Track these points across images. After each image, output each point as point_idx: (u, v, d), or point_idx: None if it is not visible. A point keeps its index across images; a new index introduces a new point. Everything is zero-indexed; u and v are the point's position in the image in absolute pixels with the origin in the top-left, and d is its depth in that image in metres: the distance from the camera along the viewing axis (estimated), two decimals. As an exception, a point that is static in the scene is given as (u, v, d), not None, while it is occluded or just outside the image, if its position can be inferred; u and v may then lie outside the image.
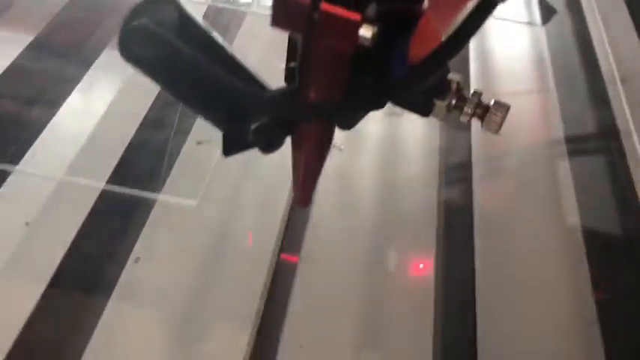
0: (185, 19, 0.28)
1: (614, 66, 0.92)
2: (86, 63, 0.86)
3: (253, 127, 0.31)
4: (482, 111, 0.35)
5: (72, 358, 0.55)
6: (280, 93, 0.31)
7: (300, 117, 0.31)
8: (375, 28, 0.27)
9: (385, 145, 0.81)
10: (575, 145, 0.82)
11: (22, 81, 0.83)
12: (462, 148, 0.81)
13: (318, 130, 0.33)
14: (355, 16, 0.26)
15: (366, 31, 0.27)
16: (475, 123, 0.36)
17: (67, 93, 0.81)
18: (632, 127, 0.82)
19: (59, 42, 0.90)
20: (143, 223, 0.67)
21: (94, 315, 0.58)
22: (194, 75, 0.27)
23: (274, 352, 0.57)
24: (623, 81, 0.89)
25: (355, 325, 0.60)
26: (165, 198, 0.70)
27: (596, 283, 0.66)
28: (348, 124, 0.38)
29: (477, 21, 0.26)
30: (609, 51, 0.95)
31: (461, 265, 0.67)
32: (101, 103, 0.80)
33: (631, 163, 0.78)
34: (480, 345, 0.59)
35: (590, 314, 0.63)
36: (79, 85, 0.83)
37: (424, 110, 0.36)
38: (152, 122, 0.79)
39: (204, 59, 0.27)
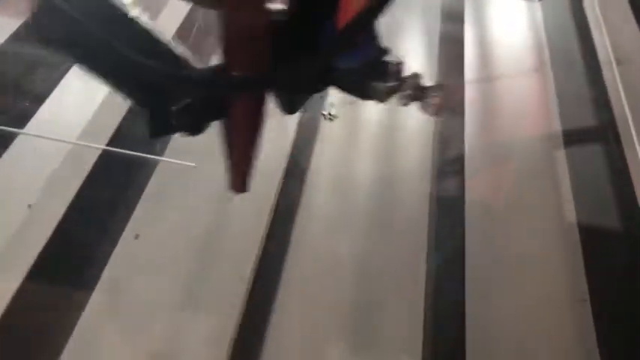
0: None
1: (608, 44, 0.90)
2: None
3: (175, 108, 0.31)
4: (419, 93, 0.34)
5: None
6: (203, 71, 0.30)
7: (225, 93, 0.31)
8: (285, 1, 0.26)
9: (380, 134, 0.80)
10: (572, 136, 0.81)
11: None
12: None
13: (248, 110, 0.32)
14: None
15: (277, 4, 0.26)
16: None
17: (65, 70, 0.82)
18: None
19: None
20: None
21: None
22: (108, 56, 0.27)
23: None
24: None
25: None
26: (166, 160, 0.71)
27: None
28: (291, 107, 0.38)
29: None
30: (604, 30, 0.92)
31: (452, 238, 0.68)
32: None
33: (627, 154, 0.76)
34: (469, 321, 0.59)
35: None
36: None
37: (365, 93, 0.35)
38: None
39: (114, 40, 0.26)
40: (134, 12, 0.29)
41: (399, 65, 0.34)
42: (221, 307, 0.59)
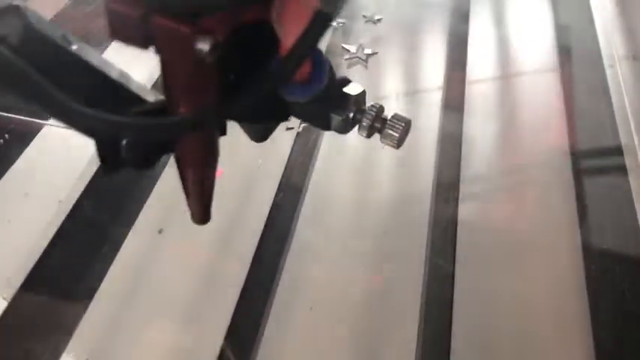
0: (33, 32, 0.27)
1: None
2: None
3: (124, 143, 0.30)
4: (381, 124, 0.33)
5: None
6: (147, 112, 0.30)
7: (169, 136, 0.31)
8: (214, 41, 0.25)
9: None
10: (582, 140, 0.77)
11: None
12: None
13: (198, 144, 0.32)
14: (186, 29, 0.25)
15: (203, 44, 0.26)
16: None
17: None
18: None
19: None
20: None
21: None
22: (34, 93, 0.27)
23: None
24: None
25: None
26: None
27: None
28: (258, 136, 0.37)
29: (317, 31, 0.25)
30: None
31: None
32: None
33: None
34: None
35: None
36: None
37: (324, 123, 0.34)
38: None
39: (45, 82, 0.26)
40: (73, 46, 0.29)
41: (359, 96, 0.33)
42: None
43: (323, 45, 0.94)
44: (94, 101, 0.27)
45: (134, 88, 0.31)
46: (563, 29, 0.95)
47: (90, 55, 0.30)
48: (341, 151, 0.77)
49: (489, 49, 0.93)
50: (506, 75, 0.88)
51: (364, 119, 0.33)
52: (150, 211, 0.69)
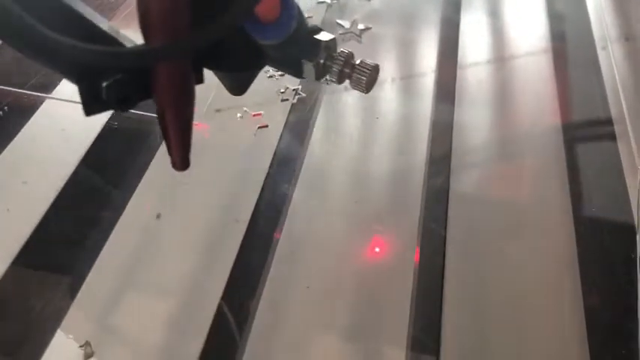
0: None
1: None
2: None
3: (104, 84, 0.32)
4: (350, 70, 0.34)
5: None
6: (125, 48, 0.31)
7: (145, 64, 0.32)
8: None
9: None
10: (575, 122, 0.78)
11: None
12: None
13: (173, 77, 0.33)
14: None
15: None
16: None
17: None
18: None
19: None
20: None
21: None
22: (28, 36, 0.28)
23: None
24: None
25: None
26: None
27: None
28: (235, 88, 0.39)
29: None
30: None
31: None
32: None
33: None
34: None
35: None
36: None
37: (295, 70, 0.35)
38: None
39: (27, 16, 0.28)
40: None
41: (328, 42, 0.34)
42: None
43: (318, 20, 0.95)
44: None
45: (122, 40, 0.33)
46: (555, 12, 0.95)
47: (80, 6, 0.31)
48: (336, 122, 0.78)
49: (482, 28, 0.94)
50: (499, 57, 0.89)
51: (334, 65, 0.34)
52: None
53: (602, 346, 0.55)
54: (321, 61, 0.34)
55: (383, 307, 0.59)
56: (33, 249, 0.64)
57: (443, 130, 0.77)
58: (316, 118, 0.79)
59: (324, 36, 0.34)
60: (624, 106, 0.76)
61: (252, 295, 0.60)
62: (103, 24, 0.32)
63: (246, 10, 0.28)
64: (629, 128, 0.74)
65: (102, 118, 0.78)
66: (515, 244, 0.64)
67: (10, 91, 0.81)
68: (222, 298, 0.59)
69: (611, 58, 0.84)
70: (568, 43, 0.90)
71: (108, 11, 0.99)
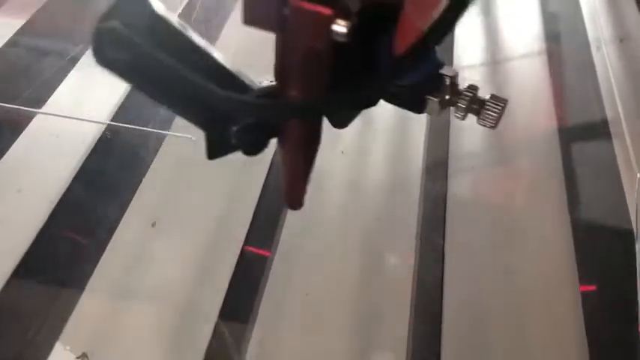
0: (156, 19, 0.27)
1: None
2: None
3: (235, 128, 0.30)
4: (478, 106, 0.33)
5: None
6: (258, 95, 0.30)
7: (281, 118, 0.30)
8: (350, 23, 0.25)
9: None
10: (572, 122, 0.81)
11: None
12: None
13: (303, 129, 0.32)
14: (327, 10, 0.25)
15: (340, 26, 0.25)
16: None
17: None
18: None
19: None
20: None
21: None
22: (168, 79, 0.27)
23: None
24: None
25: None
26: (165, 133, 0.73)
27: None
28: (342, 122, 0.37)
29: (456, 13, 0.25)
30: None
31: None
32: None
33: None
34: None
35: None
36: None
37: (417, 107, 0.34)
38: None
39: (175, 63, 0.26)
40: (189, 32, 0.29)
41: (453, 77, 0.33)
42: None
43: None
44: (218, 86, 0.27)
45: (237, 73, 0.31)
46: (550, 14, 0.98)
47: (199, 40, 0.29)
48: (330, 130, 0.76)
49: (476, 34, 0.95)
50: (494, 60, 0.90)
51: (461, 101, 0.33)
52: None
53: (602, 355, 0.56)
54: (447, 97, 0.33)
55: (382, 318, 0.58)
56: (28, 262, 0.61)
57: (439, 134, 0.77)
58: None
59: (449, 71, 0.33)
60: (620, 110, 0.79)
61: (251, 306, 0.59)
62: (220, 56, 0.31)
63: (403, 71, 0.27)
64: (626, 133, 0.77)
65: (95, 131, 0.75)
66: (513, 251, 0.64)
67: (1, 106, 0.76)
68: (221, 310, 0.58)
69: (605, 59, 0.87)
70: (563, 45, 0.92)
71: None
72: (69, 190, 0.68)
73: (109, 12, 0.27)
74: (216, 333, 0.56)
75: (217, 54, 0.30)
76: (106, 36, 0.26)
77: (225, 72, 0.30)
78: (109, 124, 0.75)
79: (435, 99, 0.33)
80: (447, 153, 0.75)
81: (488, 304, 0.60)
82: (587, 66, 0.87)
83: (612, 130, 0.77)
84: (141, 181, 0.70)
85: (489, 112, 0.33)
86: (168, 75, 0.26)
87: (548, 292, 0.61)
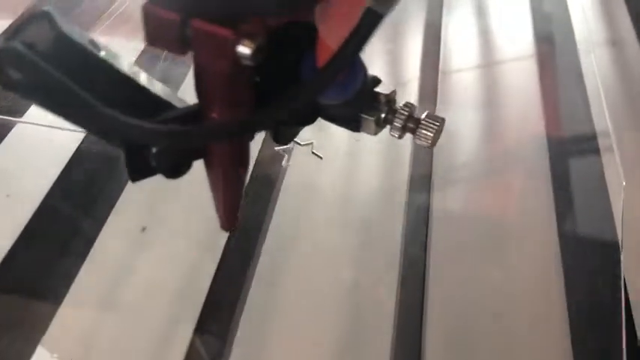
0: (62, 39, 0.26)
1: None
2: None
3: (154, 151, 0.29)
4: (414, 124, 0.32)
5: None
6: (175, 118, 0.29)
7: (194, 144, 0.29)
8: (255, 45, 0.24)
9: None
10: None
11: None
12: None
13: (229, 150, 0.31)
14: (227, 33, 0.24)
15: (244, 48, 0.24)
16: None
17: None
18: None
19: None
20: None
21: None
22: (68, 103, 0.26)
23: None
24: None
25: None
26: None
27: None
28: (283, 138, 0.36)
29: (366, 30, 0.24)
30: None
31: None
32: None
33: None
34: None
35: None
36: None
37: (353, 125, 0.33)
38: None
39: (74, 86, 0.25)
40: (101, 52, 0.28)
41: (390, 95, 0.32)
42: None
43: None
44: (126, 109, 0.26)
45: (162, 94, 0.30)
46: (541, 16, 0.96)
47: (117, 61, 0.28)
48: (317, 141, 0.76)
49: (466, 38, 0.93)
50: (484, 64, 0.89)
51: (396, 119, 0.32)
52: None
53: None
54: (382, 115, 0.32)
55: (365, 332, 0.57)
56: (9, 267, 0.60)
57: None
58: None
59: (385, 89, 0.32)
60: (607, 119, 0.77)
61: (231, 317, 0.58)
62: (142, 76, 0.30)
63: (322, 87, 0.26)
64: (613, 142, 0.75)
65: (76, 138, 0.74)
66: (500, 262, 0.63)
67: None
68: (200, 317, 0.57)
69: (593, 64, 0.85)
70: (553, 48, 0.91)
71: (89, 22, 0.95)
72: (48, 200, 0.68)
73: (14, 31, 0.26)
74: (192, 345, 0.55)
75: (135, 72, 0.29)
76: (7, 56, 0.25)
77: (143, 92, 0.29)
78: (87, 133, 0.75)
79: (371, 117, 0.32)
80: (431, 164, 0.73)
81: (472, 317, 0.58)
82: (577, 71, 0.85)
83: (600, 140, 0.76)
84: (123, 190, 0.69)
85: (425, 132, 0.32)
86: (70, 98, 0.25)
87: (534, 303, 0.60)
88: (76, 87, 0.25)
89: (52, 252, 0.63)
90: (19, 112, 0.78)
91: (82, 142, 0.74)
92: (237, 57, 0.24)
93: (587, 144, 0.77)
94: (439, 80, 0.85)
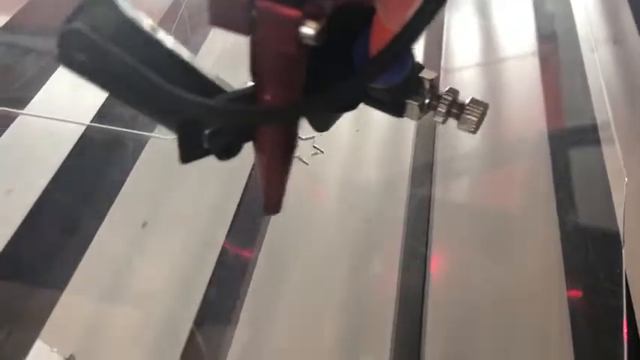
0: (123, 21, 0.26)
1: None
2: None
3: (207, 132, 0.29)
4: (458, 110, 0.33)
5: None
6: (231, 99, 0.29)
7: (255, 123, 0.30)
8: (320, 25, 0.24)
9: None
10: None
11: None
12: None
13: (278, 133, 0.31)
14: (294, 12, 0.24)
15: (308, 29, 0.24)
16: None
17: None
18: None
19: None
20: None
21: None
22: (132, 82, 0.26)
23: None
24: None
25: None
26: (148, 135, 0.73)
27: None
28: (323, 125, 0.37)
29: (429, 13, 0.24)
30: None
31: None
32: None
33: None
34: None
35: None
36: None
37: (397, 111, 0.33)
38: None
39: (140, 65, 0.25)
40: (159, 35, 0.28)
41: (433, 81, 0.33)
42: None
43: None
44: (186, 90, 0.26)
45: (211, 77, 0.30)
46: (544, 14, 0.97)
47: (170, 42, 0.29)
48: (317, 135, 0.76)
49: (468, 35, 0.94)
50: (486, 62, 0.90)
51: (440, 105, 0.32)
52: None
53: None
54: (427, 100, 0.33)
55: (367, 320, 0.58)
56: (10, 259, 0.60)
57: (427, 136, 0.76)
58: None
59: (428, 74, 0.33)
60: (610, 113, 0.79)
61: (232, 308, 0.58)
62: (193, 60, 0.30)
63: (379, 72, 0.26)
64: (615, 137, 0.76)
65: (78, 131, 0.74)
66: (500, 255, 0.64)
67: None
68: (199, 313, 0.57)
69: (596, 61, 0.86)
70: (556, 46, 0.92)
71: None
72: (49, 192, 0.67)
73: (74, 13, 0.26)
74: (192, 337, 0.56)
75: (190, 57, 0.29)
76: (71, 38, 0.25)
77: (198, 75, 0.29)
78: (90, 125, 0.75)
79: (415, 102, 0.33)
80: (433, 157, 0.74)
81: (473, 308, 0.59)
82: (580, 68, 0.86)
83: (601, 134, 0.77)
84: (124, 182, 0.69)
85: (469, 117, 0.32)
86: (133, 78, 0.25)
87: (534, 297, 0.60)
88: (141, 66, 0.25)
89: (52, 244, 0.63)
90: (21, 105, 0.78)
91: (83, 135, 0.74)
92: (301, 37, 0.25)
93: (589, 138, 0.78)
94: (441, 78, 0.85)
